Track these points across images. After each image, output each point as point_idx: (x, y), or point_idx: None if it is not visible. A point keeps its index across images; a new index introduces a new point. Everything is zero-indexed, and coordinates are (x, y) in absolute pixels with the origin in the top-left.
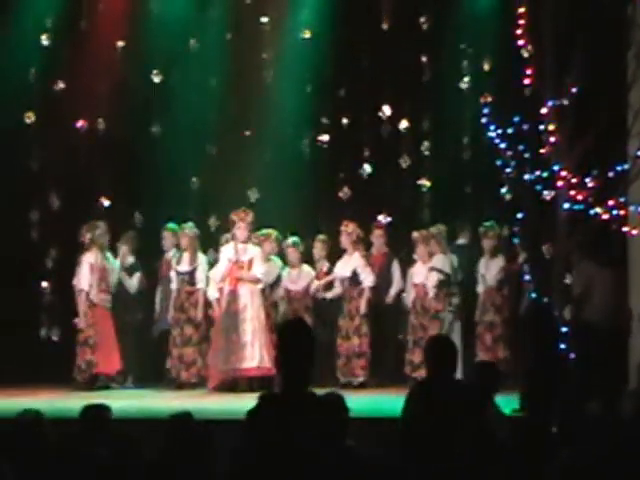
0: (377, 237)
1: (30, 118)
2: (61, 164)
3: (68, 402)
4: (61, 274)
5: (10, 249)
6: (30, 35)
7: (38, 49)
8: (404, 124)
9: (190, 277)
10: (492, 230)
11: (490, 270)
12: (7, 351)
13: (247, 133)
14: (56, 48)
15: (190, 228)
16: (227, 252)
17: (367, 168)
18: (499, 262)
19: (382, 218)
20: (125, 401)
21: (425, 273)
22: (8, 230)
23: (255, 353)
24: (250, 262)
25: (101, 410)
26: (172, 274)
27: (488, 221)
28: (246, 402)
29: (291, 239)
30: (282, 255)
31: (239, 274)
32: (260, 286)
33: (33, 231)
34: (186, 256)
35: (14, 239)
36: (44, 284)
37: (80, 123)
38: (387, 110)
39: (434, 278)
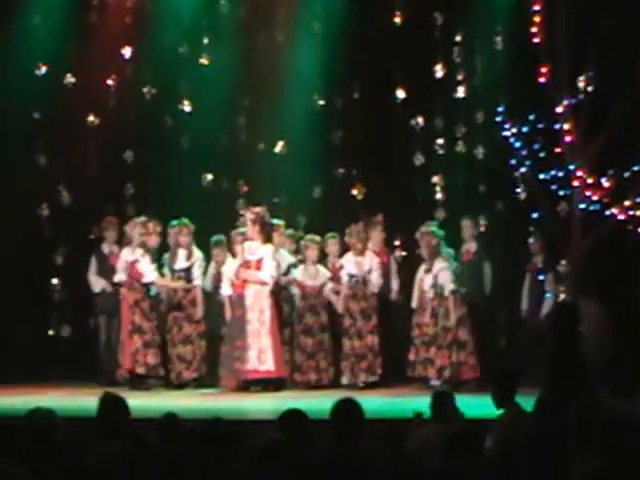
0: (376, 233)
1: (39, 113)
2: (71, 159)
3: (78, 400)
4: (71, 271)
5: (20, 246)
6: (39, 29)
7: (47, 43)
8: (418, 122)
9: (187, 274)
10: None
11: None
12: (17, 349)
13: (260, 129)
14: (65, 42)
15: (186, 224)
16: (240, 250)
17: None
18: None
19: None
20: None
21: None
22: (18, 227)
23: (252, 356)
24: (259, 262)
25: (117, 400)
26: (166, 271)
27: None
28: (261, 402)
29: (315, 237)
30: (290, 250)
31: (246, 275)
32: (268, 288)
33: (43, 228)
34: (182, 253)
35: (24, 236)
36: (54, 281)
37: (90, 118)
38: (401, 94)
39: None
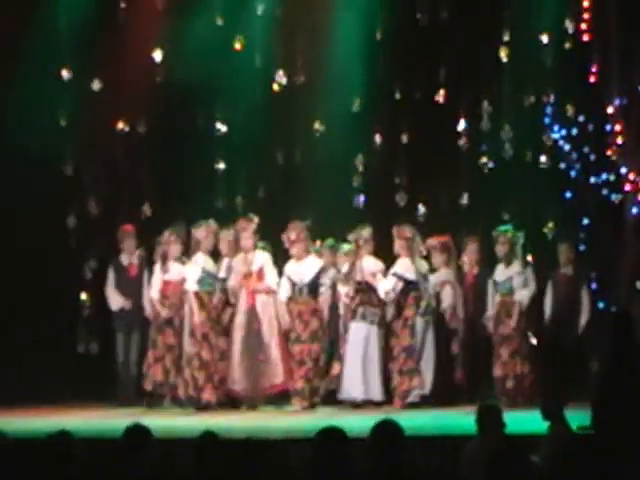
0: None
1: (65, 120)
2: (99, 167)
3: (107, 421)
4: (100, 284)
5: (47, 258)
6: (65, 31)
7: (73, 46)
8: (462, 125)
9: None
10: (504, 235)
11: (507, 278)
12: (43, 367)
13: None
14: (92, 44)
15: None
16: (237, 264)
17: None
18: (514, 269)
19: None
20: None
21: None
22: (44, 238)
23: (269, 371)
24: (260, 271)
25: (142, 431)
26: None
27: (505, 226)
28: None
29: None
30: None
31: (254, 286)
32: (274, 296)
33: (70, 239)
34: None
35: (50, 247)
36: (83, 296)
37: (118, 124)
38: (462, 124)
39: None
